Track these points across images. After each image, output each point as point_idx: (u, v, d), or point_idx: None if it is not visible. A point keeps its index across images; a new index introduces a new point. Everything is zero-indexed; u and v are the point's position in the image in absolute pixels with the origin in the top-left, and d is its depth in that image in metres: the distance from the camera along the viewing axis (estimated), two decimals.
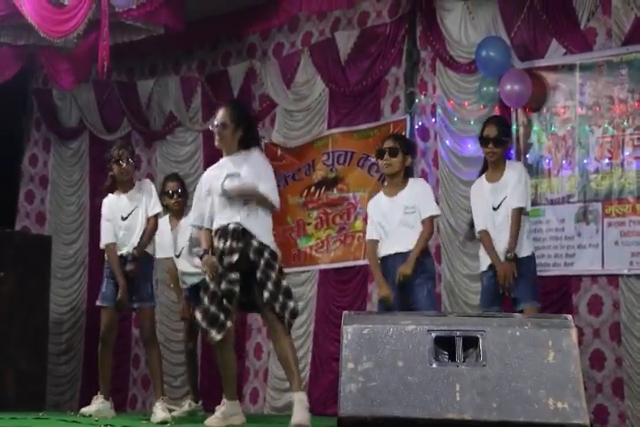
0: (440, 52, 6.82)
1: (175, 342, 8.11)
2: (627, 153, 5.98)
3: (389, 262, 5.30)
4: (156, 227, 5.93)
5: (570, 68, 6.23)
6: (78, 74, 7.92)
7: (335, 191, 7.45)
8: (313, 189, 7.58)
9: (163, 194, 6.46)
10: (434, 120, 6.87)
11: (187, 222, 6.09)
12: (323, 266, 7.43)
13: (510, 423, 2.49)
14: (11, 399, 7.63)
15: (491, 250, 5.27)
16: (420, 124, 6.98)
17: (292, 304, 4.69)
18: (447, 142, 6.77)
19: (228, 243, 4.70)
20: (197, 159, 8.33)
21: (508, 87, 6.27)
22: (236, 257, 4.67)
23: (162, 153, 8.63)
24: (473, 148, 6.64)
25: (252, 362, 7.75)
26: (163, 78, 8.64)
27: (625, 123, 6.00)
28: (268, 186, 4.80)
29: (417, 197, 5.29)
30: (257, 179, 4.76)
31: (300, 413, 4.47)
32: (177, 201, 6.51)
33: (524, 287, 5.20)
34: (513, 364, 2.58)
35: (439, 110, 6.82)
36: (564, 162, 6.24)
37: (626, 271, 5.87)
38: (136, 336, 8.57)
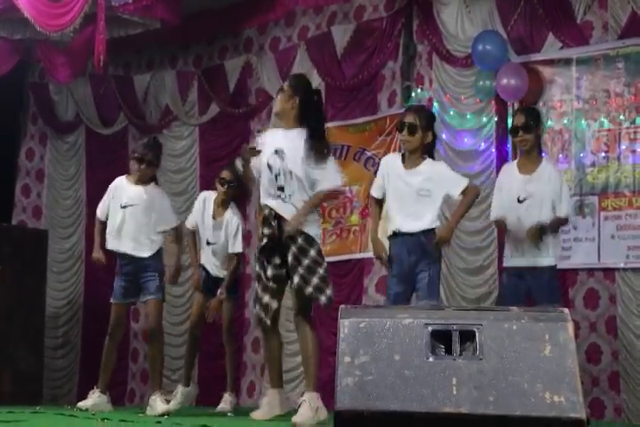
0: (437, 46, 6.82)
1: (174, 335, 8.12)
2: (623, 147, 5.99)
3: (399, 241, 5.03)
4: (178, 241, 6.04)
5: (566, 61, 6.24)
6: (75, 68, 7.91)
7: None
8: None
9: (217, 178, 6.44)
10: None
11: (231, 220, 6.27)
12: None
13: (507, 417, 2.50)
14: (7, 394, 7.63)
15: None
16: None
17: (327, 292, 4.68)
18: (443, 136, 6.76)
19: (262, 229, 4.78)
20: (193, 153, 8.33)
21: (505, 81, 6.27)
22: (264, 241, 4.72)
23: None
24: (469, 142, 6.65)
25: (249, 356, 7.76)
26: (159, 72, 8.63)
27: (621, 116, 6.01)
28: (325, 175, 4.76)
29: (435, 181, 4.97)
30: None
31: (302, 412, 4.46)
32: (225, 191, 6.37)
33: (549, 297, 5.07)
34: (510, 358, 2.59)
35: (436, 104, 6.81)
36: (560, 156, 6.25)
37: (622, 265, 5.88)
38: (135, 330, 8.58)
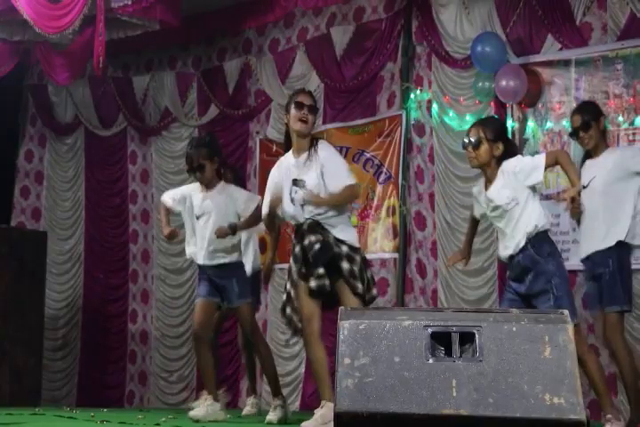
0: (436, 48, 6.83)
1: (171, 337, 8.12)
2: None
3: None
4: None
5: (565, 63, 6.24)
6: (74, 69, 7.91)
7: None
8: None
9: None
10: (430, 115, 6.87)
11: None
12: None
13: (507, 419, 2.50)
14: (6, 395, 7.63)
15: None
16: (415, 119, 6.99)
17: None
18: (443, 138, 6.77)
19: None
20: None
21: (504, 83, 6.28)
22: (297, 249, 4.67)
23: (157, 148, 8.63)
24: None
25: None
26: (158, 74, 8.64)
27: (620, 118, 6.01)
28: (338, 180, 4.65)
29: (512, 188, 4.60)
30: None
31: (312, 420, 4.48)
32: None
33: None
34: (509, 359, 2.58)
35: (435, 106, 6.82)
36: None
37: None
38: (132, 332, 8.58)
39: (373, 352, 2.64)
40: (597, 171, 4.86)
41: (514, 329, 2.64)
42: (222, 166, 5.73)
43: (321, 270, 4.53)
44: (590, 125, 4.96)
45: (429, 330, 2.66)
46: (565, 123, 6.20)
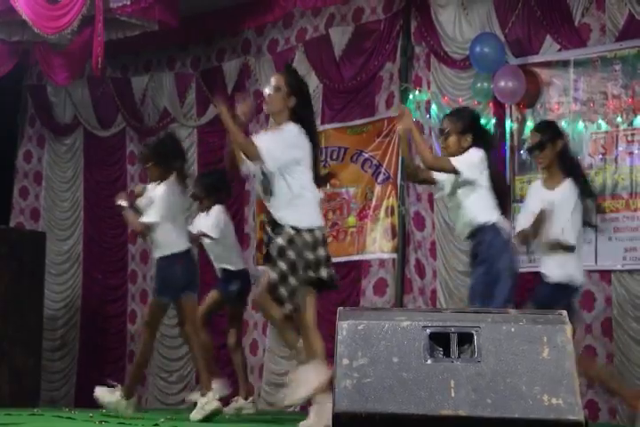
0: (434, 48, 6.83)
1: (170, 337, 8.12)
2: (620, 149, 5.99)
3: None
4: None
5: (564, 64, 6.24)
6: (73, 70, 7.91)
7: (328, 187, 7.45)
8: None
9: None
10: (428, 116, 6.88)
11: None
12: None
13: (505, 420, 2.50)
14: (5, 396, 7.63)
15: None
16: (414, 120, 6.97)
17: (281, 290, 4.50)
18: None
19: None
20: (192, 155, 8.32)
21: (502, 83, 6.28)
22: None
23: None
24: None
25: (247, 358, 7.75)
26: (157, 74, 8.64)
27: (619, 118, 6.01)
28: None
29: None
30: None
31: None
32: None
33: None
34: (508, 360, 2.59)
35: (434, 106, 6.83)
36: None
37: (619, 267, 5.89)
38: (131, 332, 8.58)
39: (372, 353, 2.65)
40: (555, 205, 4.98)
41: (512, 330, 2.64)
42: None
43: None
44: (545, 146, 5.06)
45: (428, 331, 2.67)
46: (564, 123, 6.20)
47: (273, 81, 4.72)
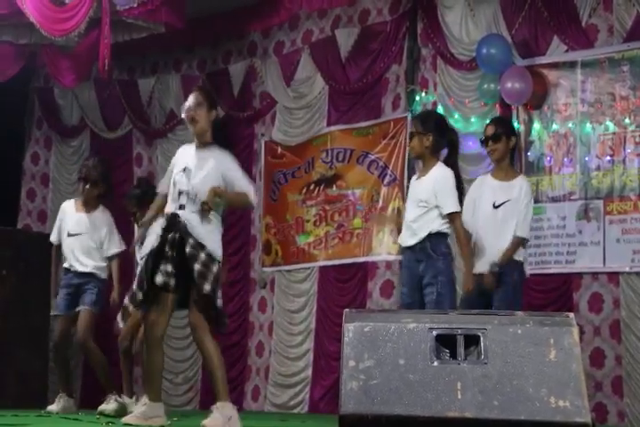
0: (441, 50, 6.82)
1: (176, 338, 8.12)
2: (628, 150, 5.98)
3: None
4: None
5: (571, 65, 6.23)
6: (80, 72, 7.92)
7: (334, 188, 7.46)
8: (312, 186, 7.59)
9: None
10: None
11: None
12: (321, 263, 7.42)
13: (512, 422, 2.49)
14: (12, 397, 7.63)
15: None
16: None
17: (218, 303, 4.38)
18: None
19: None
20: None
21: (509, 85, 6.27)
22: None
23: (163, 151, 8.62)
24: (474, 145, 6.62)
25: (253, 360, 7.76)
26: (163, 76, 8.65)
27: (627, 120, 6.00)
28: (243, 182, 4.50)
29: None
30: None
31: (215, 417, 4.28)
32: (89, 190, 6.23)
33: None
34: (514, 362, 2.58)
35: (440, 108, 6.81)
36: (565, 159, 6.24)
37: (627, 269, 5.87)
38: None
39: (378, 355, 2.64)
40: (510, 196, 4.97)
41: (519, 332, 2.63)
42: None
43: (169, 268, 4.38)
44: (500, 139, 5.08)
45: (434, 333, 2.66)
46: (571, 125, 6.19)
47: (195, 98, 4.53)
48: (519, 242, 4.94)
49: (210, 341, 4.43)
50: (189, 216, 4.41)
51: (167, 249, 4.41)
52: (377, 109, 7.23)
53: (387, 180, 7.11)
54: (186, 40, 8.14)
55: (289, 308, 7.51)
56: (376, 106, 7.23)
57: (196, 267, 4.32)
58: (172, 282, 4.39)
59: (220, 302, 4.38)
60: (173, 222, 4.42)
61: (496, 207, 5.00)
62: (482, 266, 4.90)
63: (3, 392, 7.62)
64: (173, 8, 7.11)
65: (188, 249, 4.35)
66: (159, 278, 4.39)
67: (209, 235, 4.42)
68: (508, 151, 5.11)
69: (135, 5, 6.97)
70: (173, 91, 8.50)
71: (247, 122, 8.06)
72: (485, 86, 6.47)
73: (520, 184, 5.04)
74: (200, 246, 4.36)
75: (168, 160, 8.58)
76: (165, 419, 4.66)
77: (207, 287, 4.30)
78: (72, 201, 6.37)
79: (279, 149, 7.78)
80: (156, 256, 4.42)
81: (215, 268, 4.37)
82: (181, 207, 4.45)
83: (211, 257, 4.37)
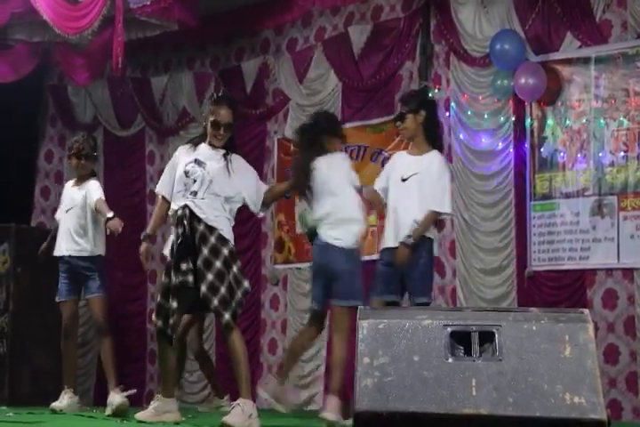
0: (454, 46, 6.80)
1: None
2: None
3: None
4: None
5: (585, 60, 6.20)
6: (93, 70, 7.94)
7: None
8: None
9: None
10: (448, 114, 6.85)
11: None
12: None
13: (527, 418, 2.49)
14: (26, 395, 7.67)
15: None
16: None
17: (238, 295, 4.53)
18: (461, 136, 6.75)
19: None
20: None
21: (523, 81, 6.25)
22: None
23: (175, 149, 8.50)
24: (487, 141, 6.63)
25: (265, 357, 7.76)
26: (176, 74, 8.65)
27: None
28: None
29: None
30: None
31: (234, 413, 4.38)
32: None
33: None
34: (529, 358, 2.58)
35: (453, 104, 6.80)
36: (578, 155, 6.21)
37: None
38: (151, 331, 8.59)
39: (393, 351, 2.64)
40: (419, 169, 4.96)
41: (534, 328, 2.63)
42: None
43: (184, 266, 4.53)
44: (404, 117, 5.05)
45: (449, 329, 2.66)
46: (585, 121, 6.16)
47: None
48: (433, 216, 4.93)
49: (237, 337, 4.49)
50: (199, 202, 4.60)
51: (182, 246, 4.51)
52: (390, 106, 7.21)
53: None
54: (198, 38, 8.14)
55: (301, 307, 7.49)
56: (389, 103, 7.22)
57: (204, 252, 4.48)
58: (190, 278, 4.47)
59: (245, 284, 4.52)
60: (183, 214, 4.57)
61: (404, 180, 4.99)
62: (392, 241, 4.93)
63: (17, 390, 7.67)
64: (186, 6, 7.12)
65: (197, 234, 4.50)
66: (177, 279, 4.48)
67: (218, 218, 4.58)
68: (418, 127, 5.06)
69: (148, 3, 6.97)
70: (186, 88, 8.51)
71: (260, 119, 8.06)
72: (499, 82, 6.45)
73: (430, 158, 5.01)
74: (209, 229, 4.52)
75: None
76: (179, 415, 4.70)
77: (210, 276, 4.45)
78: (70, 182, 6.46)
79: (292, 147, 7.77)
80: (175, 264, 4.57)
81: (226, 249, 4.44)
82: (193, 194, 4.59)
83: (221, 238, 4.49)
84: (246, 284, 4.55)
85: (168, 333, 4.59)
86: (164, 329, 4.58)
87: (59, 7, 7.11)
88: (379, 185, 5.12)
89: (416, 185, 4.93)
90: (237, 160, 4.79)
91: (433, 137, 5.12)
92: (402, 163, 5.08)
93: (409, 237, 4.85)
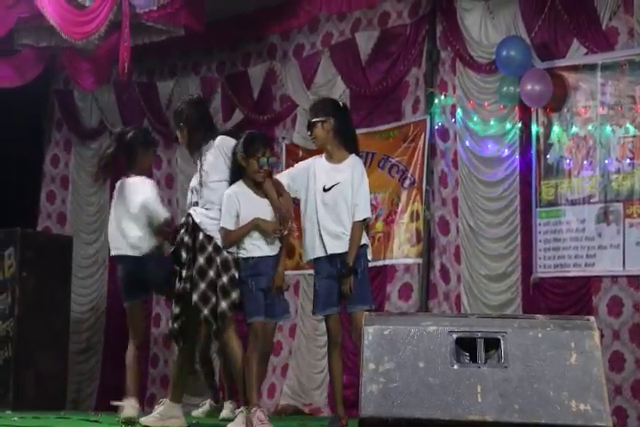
0: (460, 53, 6.81)
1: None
2: None
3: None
4: None
5: (591, 67, 6.20)
6: (99, 75, 7.96)
7: None
8: None
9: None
10: (454, 120, 6.85)
11: None
12: None
13: (533, 425, 2.49)
14: (31, 398, 7.68)
15: None
16: (439, 124, 6.97)
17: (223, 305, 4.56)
18: (467, 143, 6.75)
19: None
20: None
21: (529, 87, 6.25)
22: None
23: (182, 153, 8.63)
24: (493, 148, 6.62)
25: (270, 359, 7.74)
26: (183, 79, 8.67)
27: None
28: None
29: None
30: None
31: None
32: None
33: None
34: (535, 365, 2.57)
35: (459, 111, 6.80)
36: (584, 162, 6.21)
37: None
38: (155, 336, 8.60)
39: (398, 358, 2.64)
40: (340, 179, 4.86)
41: (539, 335, 2.63)
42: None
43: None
44: (313, 126, 4.95)
45: (454, 336, 2.66)
46: (591, 128, 6.16)
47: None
48: (361, 226, 4.82)
49: (232, 345, 4.53)
50: (199, 210, 4.75)
51: (183, 253, 4.65)
52: (397, 112, 7.22)
53: (406, 183, 7.10)
54: (205, 43, 8.16)
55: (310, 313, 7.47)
56: (396, 109, 7.22)
57: (200, 261, 4.62)
58: (189, 286, 4.58)
59: (234, 295, 4.54)
60: (186, 221, 4.77)
61: (326, 191, 4.88)
62: (321, 250, 4.80)
63: (22, 394, 7.67)
64: (193, 11, 7.13)
65: (197, 243, 4.67)
66: (179, 286, 4.62)
67: (216, 227, 4.68)
68: (328, 134, 4.91)
69: (155, 8, 6.99)
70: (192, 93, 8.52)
71: (267, 125, 8.05)
72: (505, 89, 6.45)
73: (350, 165, 4.90)
74: (208, 239, 4.66)
75: (187, 163, 8.67)
76: (184, 420, 4.72)
77: (202, 286, 4.56)
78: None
79: (300, 152, 7.77)
80: (179, 271, 4.74)
81: (219, 258, 4.53)
82: (195, 204, 4.81)
83: (217, 248, 4.63)
84: (234, 295, 4.56)
85: (176, 337, 4.69)
86: (173, 333, 4.71)
87: (65, 12, 7.13)
88: (284, 181, 4.95)
89: (339, 195, 4.84)
90: None
91: (348, 142, 4.99)
92: (322, 171, 4.93)
93: (348, 264, 4.73)
